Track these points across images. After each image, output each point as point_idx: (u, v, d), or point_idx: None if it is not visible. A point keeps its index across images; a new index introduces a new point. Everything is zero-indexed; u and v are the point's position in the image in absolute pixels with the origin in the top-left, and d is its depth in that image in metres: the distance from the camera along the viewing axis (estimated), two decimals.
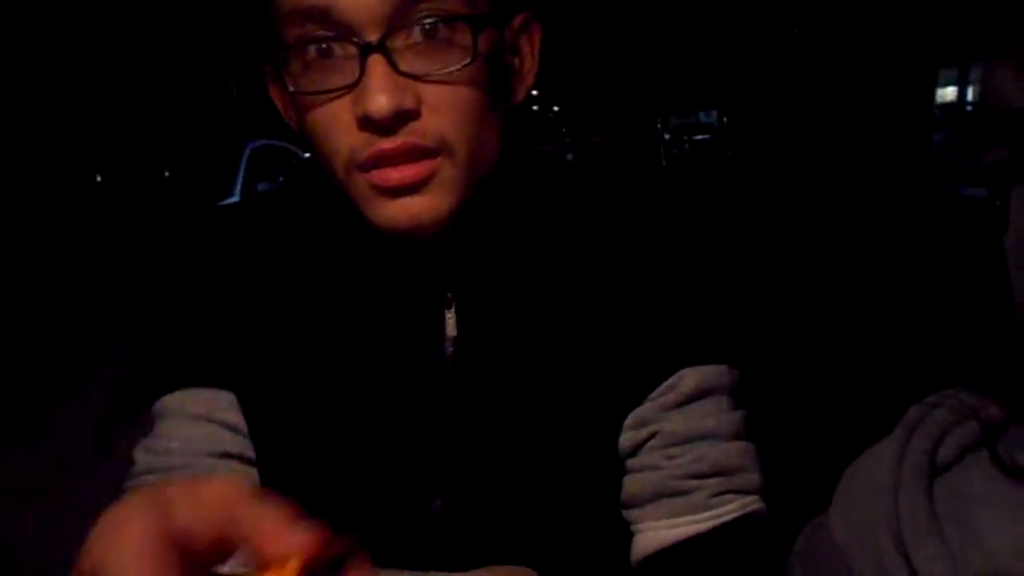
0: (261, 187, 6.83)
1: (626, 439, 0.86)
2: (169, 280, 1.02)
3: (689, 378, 0.85)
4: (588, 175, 0.97)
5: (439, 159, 0.77)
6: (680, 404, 0.85)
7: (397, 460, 0.86)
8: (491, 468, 0.86)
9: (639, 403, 0.86)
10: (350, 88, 0.74)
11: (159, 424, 0.90)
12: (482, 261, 0.87)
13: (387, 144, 0.75)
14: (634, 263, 0.88)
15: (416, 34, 0.74)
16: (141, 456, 0.89)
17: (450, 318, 0.87)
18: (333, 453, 0.87)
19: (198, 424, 0.88)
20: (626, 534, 0.88)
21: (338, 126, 0.76)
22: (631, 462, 0.86)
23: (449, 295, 0.87)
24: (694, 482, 0.84)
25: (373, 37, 0.73)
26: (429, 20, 0.74)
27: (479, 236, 0.86)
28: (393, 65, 0.73)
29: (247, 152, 6.81)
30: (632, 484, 0.86)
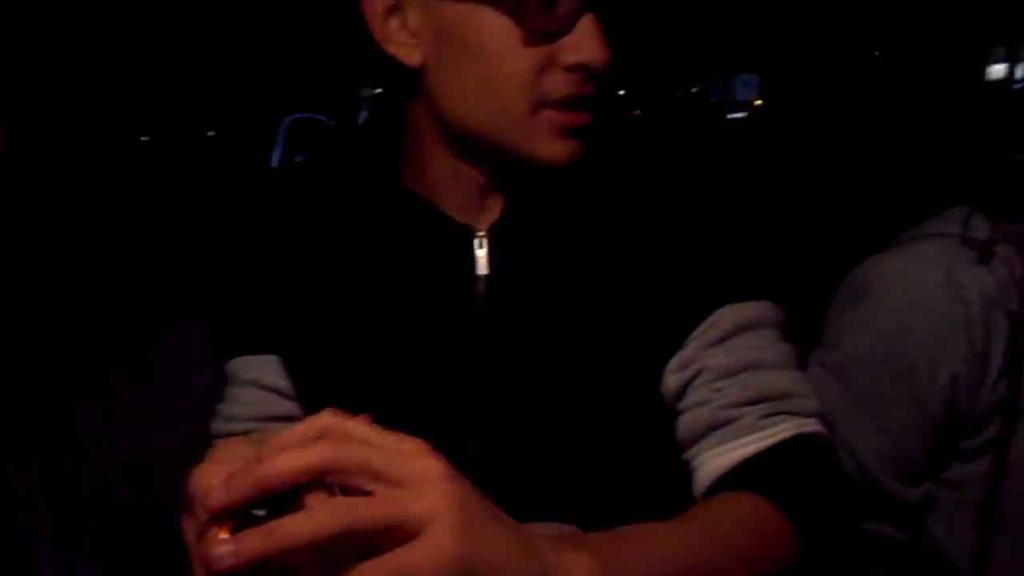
0: (299, 160, 6.94)
1: (673, 382, 0.87)
2: (215, 247, 1.08)
3: (729, 315, 0.87)
4: (618, 122, 1.00)
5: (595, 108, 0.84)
6: (722, 340, 0.86)
7: (431, 403, 0.89)
8: (526, 411, 0.87)
9: (680, 346, 0.87)
10: (562, 35, 0.80)
11: (226, 389, 0.97)
12: (512, 200, 0.89)
13: (590, 90, 0.82)
14: (668, 207, 0.90)
15: None
16: (213, 421, 0.96)
17: (481, 256, 0.90)
18: (370, 400, 0.86)
19: (250, 390, 0.94)
20: (674, 479, 0.88)
21: (537, 65, 0.81)
22: (681, 404, 0.88)
23: (479, 233, 0.89)
24: (743, 409, 0.84)
25: None
26: None
27: (510, 177, 0.89)
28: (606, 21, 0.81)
29: (285, 125, 6.99)
30: (684, 424, 0.87)
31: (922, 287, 0.92)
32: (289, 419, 0.93)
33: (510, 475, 0.86)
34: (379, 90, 0.97)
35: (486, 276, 0.89)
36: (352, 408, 0.90)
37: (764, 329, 0.87)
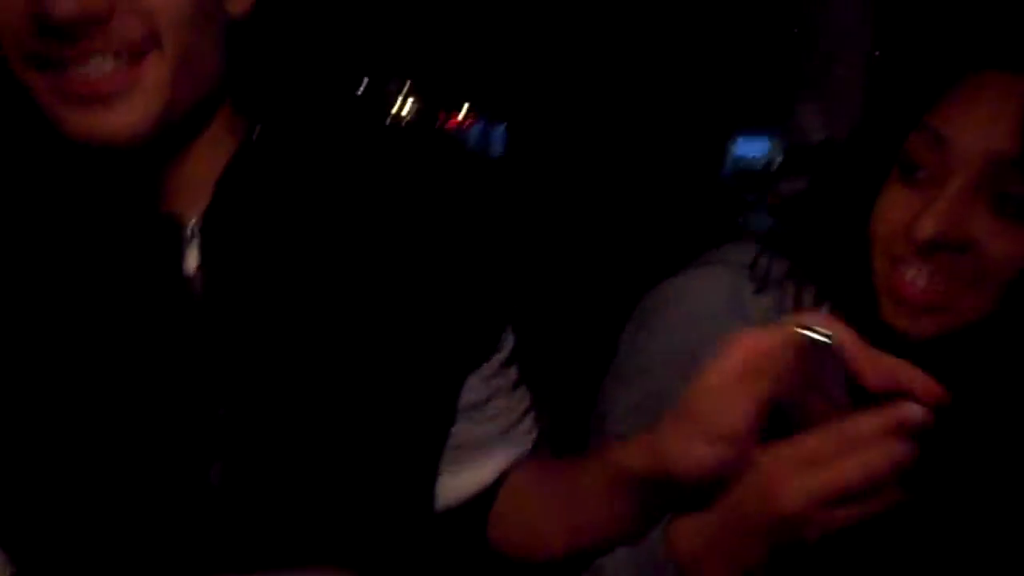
0: None
1: (481, 391, 0.90)
2: None
3: (509, 335, 0.93)
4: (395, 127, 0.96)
5: (146, 61, 0.68)
6: (508, 360, 0.93)
7: (158, 426, 0.76)
8: (267, 426, 0.78)
9: (483, 361, 0.89)
10: None
11: None
12: (229, 187, 0.78)
13: (55, 50, 0.65)
14: (421, 217, 0.84)
15: None
16: None
17: (191, 250, 0.78)
18: (77, 435, 0.75)
19: None
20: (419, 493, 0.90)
21: (17, 12, 0.65)
22: (478, 412, 0.91)
23: (192, 223, 0.78)
24: (517, 425, 0.96)
25: None
26: None
27: (221, 158, 0.78)
28: None
29: None
30: (480, 429, 0.91)
31: (711, 306, 1.00)
32: None
33: (258, 501, 0.77)
34: None
35: (199, 272, 0.78)
36: (50, 451, 0.74)
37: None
